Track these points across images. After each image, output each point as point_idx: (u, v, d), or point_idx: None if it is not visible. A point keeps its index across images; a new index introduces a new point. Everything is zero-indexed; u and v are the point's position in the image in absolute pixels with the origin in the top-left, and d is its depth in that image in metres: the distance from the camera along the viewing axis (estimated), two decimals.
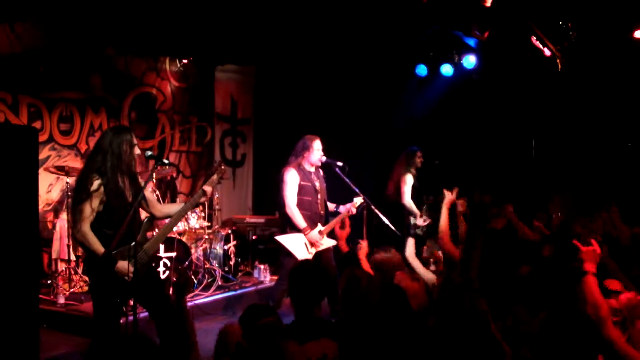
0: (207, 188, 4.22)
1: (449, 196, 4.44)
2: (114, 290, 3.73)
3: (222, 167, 4.43)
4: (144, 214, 4.19)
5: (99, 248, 3.68)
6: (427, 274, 4.21)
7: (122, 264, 3.69)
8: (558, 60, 6.34)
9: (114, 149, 3.80)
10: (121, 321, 3.94)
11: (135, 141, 3.92)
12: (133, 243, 3.72)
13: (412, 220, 7.00)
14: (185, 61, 8.53)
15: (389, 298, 2.86)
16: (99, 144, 3.90)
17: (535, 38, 6.17)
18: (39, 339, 4.10)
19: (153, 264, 4.81)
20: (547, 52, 6.30)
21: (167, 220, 4.27)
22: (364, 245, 4.16)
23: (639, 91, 7.05)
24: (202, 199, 4.23)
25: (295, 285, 3.01)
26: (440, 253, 4.32)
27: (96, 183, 3.71)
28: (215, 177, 4.33)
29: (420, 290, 3.55)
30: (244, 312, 2.92)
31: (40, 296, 5.72)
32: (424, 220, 6.85)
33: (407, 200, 7.01)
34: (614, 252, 3.88)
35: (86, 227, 3.69)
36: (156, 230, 5.86)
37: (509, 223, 4.85)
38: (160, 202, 5.97)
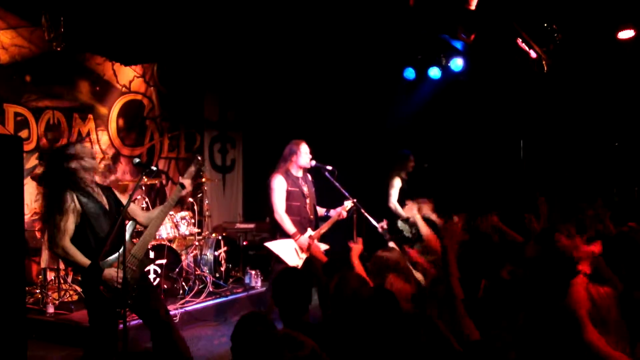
0: (186, 181, 4.17)
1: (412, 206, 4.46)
2: (105, 299, 3.69)
3: (199, 158, 4.40)
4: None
5: (83, 260, 3.65)
6: (416, 275, 4.22)
7: (109, 271, 3.67)
8: (544, 62, 6.38)
9: (72, 164, 3.78)
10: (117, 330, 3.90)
11: (92, 151, 3.94)
12: (121, 249, 3.67)
13: (399, 222, 7.03)
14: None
15: (379, 300, 2.85)
16: (62, 162, 3.83)
17: (521, 40, 6.21)
18: (26, 349, 4.06)
19: (146, 269, 4.77)
20: (533, 54, 6.34)
21: None
22: (356, 247, 4.16)
23: (625, 91, 7.12)
24: (183, 192, 4.16)
25: (279, 293, 3.00)
26: (423, 259, 4.34)
27: (69, 198, 3.70)
28: (192, 168, 4.29)
29: (412, 291, 3.56)
30: (238, 323, 2.84)
31: (30, 306, 5.71)
32: (386, 224, 6.90)
33: (393, 202, 7.06)
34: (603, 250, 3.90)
35: (65, 242, 3.65)
36: None
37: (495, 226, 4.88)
38: (143, 210, 5.92)
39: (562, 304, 2.31)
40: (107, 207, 3.87)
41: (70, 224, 3.67)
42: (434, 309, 3.09)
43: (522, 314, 2.47)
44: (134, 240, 4.07)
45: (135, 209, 4.19)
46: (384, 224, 5.86)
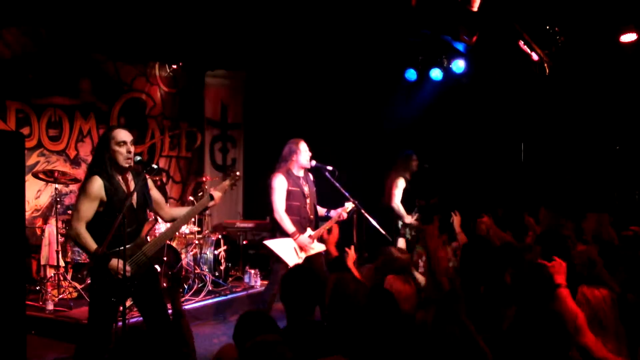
0: (217, 193, 4.13)
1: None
2: (108, 288, 3.63)
3: (237, 174, 4.35)
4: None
5: (92, 246, 3.61)
6: (417, 275, 4.23)
7: (115, 262, 3.61)
8: (546, 65, 6.38)
9: (104, 149, 3.76)
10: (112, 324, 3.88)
11: (122, 137, 3.79)
12: (130, 244, 3.65)
13: (399, 223, 7.04)
14: (174, 66, 8.51)
15: (377, 301, 2.85)
16: (97, 145, 3.91)
17: (522, 42, 6.21)
18: (25, 345, 4.06)
19: (156, 266, 4.71)
20: (534, 57, 6.34)
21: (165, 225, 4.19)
22: (351, 253, 4.16)
23: (626, 95, 7.11)
24: (210, 204, 4.12)
25: (288, 291, 2.98)
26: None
27: (95, 183, 3.66)
28: (227, 182, 4.24)
29: (412, 292, 3.56)
30: (239, 321, 2.80)
31: (29, 302, 5.71)
32: (412, 217, 6.92)
33: (396, 203, 7.04)
34: (604, 254, 3.91)
35: (80, 226, 3.62)
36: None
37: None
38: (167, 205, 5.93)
39: (552, 312, 2.32)
40: (133, 201, 3.79)
41: (90, 209, 3.64)
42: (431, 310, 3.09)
43: (511, 315, 2.48)
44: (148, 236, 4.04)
45: (161, 202, 4.15)
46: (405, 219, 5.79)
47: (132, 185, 3.83)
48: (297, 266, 4.10)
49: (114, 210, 3.65)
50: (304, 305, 2.95)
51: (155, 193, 4.08)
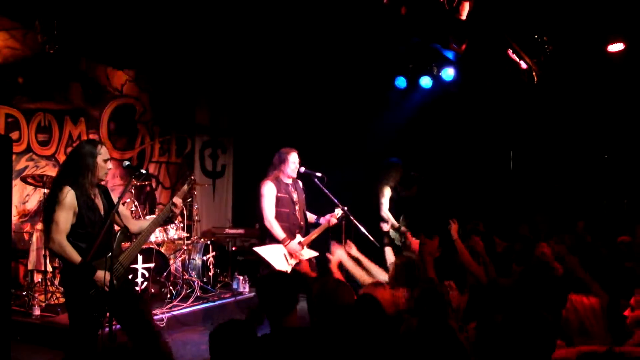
0: (177, 200, 4.17)
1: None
2: (90, 302, 3.66)
3: (192, 177, 4.42)
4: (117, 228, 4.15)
5: (77, 257, 3.63)
6: None
7: (101, 274, 3.64)
8: (534, 73, 6.44)
9: (88, 162, 3.78)
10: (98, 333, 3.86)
11: (107, 155, 3.90)
12: (109, 255, 3.67)
13: (390, 231, 7.04)
14: (164, 73, 8.48)
15: (362, 305, 2.86)
16: (71, 156, 3.90)
17: (511, 51, 6.26)
18: (10, 351, 4.02)
19: (129, 276, 4.74)
20: (523, 65, 6.39)
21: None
22: (335, 256, 4.16)
23: (614, 104, 7.18)
24: (173, 211, 4.17)
25: (263, 296, 3.00)
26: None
27: (68, 193, 3.67)
28: (185, 187, 4.33)
29: (387, 295, 3.56)
30: (216, 328, 2.77)
31: (15, 308, 5.66)
32: (392, 227, 6.92)
33: (385, 211, 7.03)
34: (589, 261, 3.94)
35: (61, 238, 3.63)
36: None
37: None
38: (134, 217, 5.91)
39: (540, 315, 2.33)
40: (102, 211, 3.86)
41: (68, 220, 3.66)
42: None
43: (499, 316, 2.48)
44: (123, 245, 4.05)
45: (127, 215, 4.19)
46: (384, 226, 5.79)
47: (99, 199, 3.88)
48: (272, 272, 4.11)
49: (85, 222, 3.71)
50: (281, 310, 2.94)
51: (120, 207, 4.09)
